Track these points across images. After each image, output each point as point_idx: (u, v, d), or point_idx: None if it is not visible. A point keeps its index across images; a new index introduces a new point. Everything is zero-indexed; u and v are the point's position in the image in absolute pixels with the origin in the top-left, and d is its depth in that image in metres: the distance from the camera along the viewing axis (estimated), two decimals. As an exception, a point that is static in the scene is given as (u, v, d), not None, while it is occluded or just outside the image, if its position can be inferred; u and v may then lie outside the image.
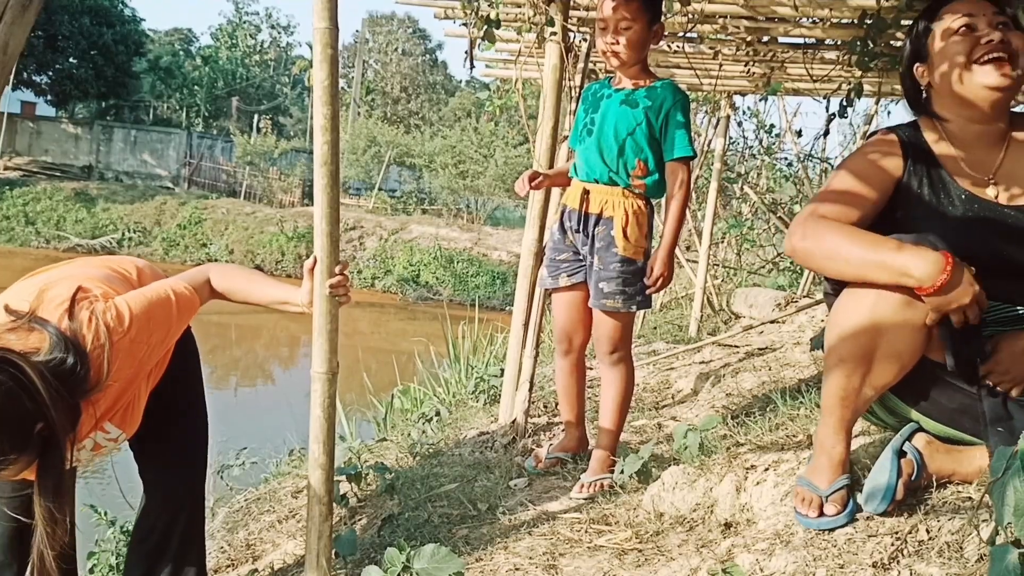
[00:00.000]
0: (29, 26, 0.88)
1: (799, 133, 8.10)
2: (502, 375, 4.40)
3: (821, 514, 1.94)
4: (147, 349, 2.07)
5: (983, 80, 1.87)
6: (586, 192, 2.95)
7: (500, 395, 4.20)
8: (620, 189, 2.90)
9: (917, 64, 2.03)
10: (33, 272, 2.23)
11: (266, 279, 2.38)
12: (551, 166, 3.61)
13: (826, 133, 5.80)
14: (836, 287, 1.94)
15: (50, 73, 30.49)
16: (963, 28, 1.89)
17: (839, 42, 4.14)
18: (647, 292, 2.92)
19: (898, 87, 2.02)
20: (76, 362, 1.77)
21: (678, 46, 4.57)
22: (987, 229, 1.88)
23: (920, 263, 1.68)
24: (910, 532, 1.83)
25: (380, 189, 27.66)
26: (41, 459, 1.71)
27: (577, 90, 3.82)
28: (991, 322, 1.82)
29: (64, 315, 1.88)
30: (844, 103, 4.48)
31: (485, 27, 3.58)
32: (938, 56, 1.95)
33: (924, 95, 2.05)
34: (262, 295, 2.29)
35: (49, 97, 31.80)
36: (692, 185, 2.96)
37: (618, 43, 2.84)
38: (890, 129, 2.05)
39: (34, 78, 30.37)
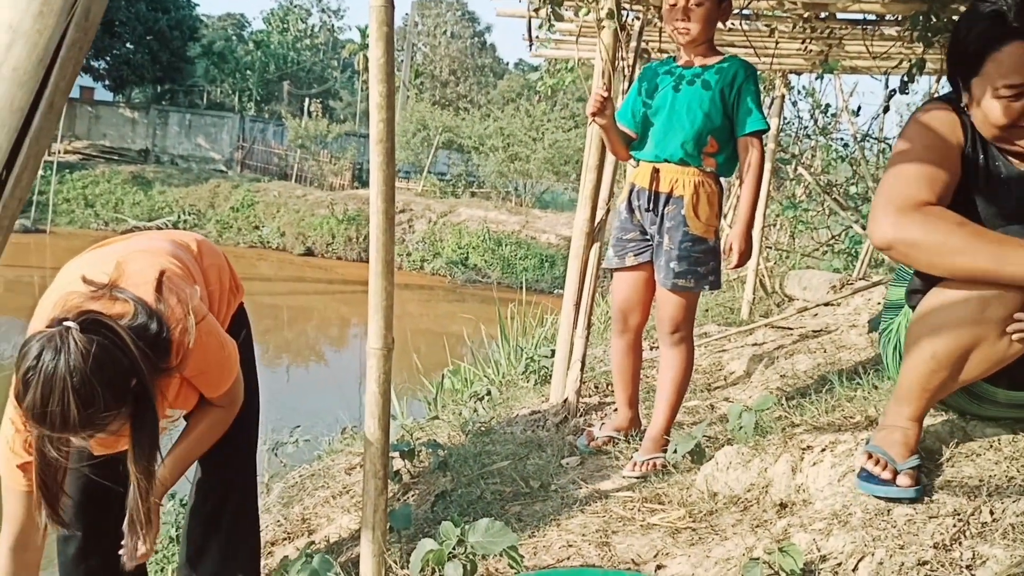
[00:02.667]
0: (109, -7, 0.90)
1: (856, 112, 7.90)
2: (552, 356, 4.41)
3: (894, 482, 1.91)
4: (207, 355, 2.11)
5: (1009, 145, 1.90)
6: (656, 171, 2.92)
7: (550, 376, 4.20)
8: (692, 168, 2.88)
9: (958, 76, 1.97)
10: (99, 244, 2.29)
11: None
12: (603, 146, 3.59)
13: (886, 110, 5.67)
14: (926, 285, 1.90)
15: (108, 58, 31.13)
16: (1008, 97, 1.82)
17: (900, 17, 4.04)
18: (731, 269, 2.92)
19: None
20: (160, 329, 1.83)
21: (733, 23, 4.50)
22: None
23: None
24: (972, 513, 1.79)
25: (429, 172, 27.76)
26: (135, 416, 1.77)
27: (630, 69, 3.79)
28: None
29: (150, 292, 1.93)
30: (905, 79, 4.37)
31: (549, 6, 3.55)
32: (978, 99, 1.89)
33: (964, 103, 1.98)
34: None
35: (107, 82, 32.47)
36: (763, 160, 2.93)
37: (689, 20, 2.82)
38: (945, 101, 2.00)
39: (92, 63, 31.02)
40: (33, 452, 1.81)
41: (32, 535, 2.00)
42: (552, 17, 3.60)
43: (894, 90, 4.62)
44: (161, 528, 3.39)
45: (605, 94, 2.90)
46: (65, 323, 1.68)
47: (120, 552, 2.01)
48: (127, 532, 1.93)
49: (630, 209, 3.03)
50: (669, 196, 2.90)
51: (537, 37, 3.90)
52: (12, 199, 0.64)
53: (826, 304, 5.48)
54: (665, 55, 3.49)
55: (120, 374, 1.72)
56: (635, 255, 3.03)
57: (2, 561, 2.02)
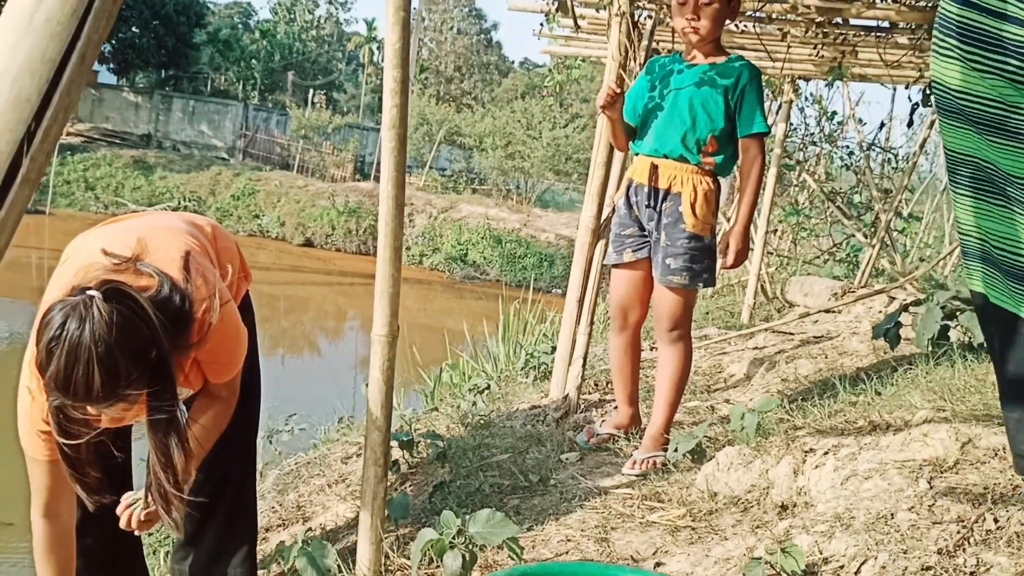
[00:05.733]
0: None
1: (862, 120, 7.89)
2: (552, 352, 4.39)
3: None
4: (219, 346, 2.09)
5: None
6: (655, 167, 2.92)
7: (549, 372, 4.19)
8: (690, 165, 2.88)
9: None
10: (112, 219, 2.27)
11: None
12: (611, 144, 3.58)
13: (910, 123, 5.54)
14: None
15: (113, 42, 31.02)
16: None
17: (914, 25, 4.02)
18: (725, 269, 2.92)
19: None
20: (183, 304, 1.81)
21: (746, 25, 4.49)
22: None
23: None
24: (977, 520, 1.79)
25: (431, 168, 27.73)
26: (154, 388, 1.76)
27: (640, 68, 3.78)
28: None
29: (176, 269, 1.92)
30: (928, 91, 4.35)
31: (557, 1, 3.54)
32: None
33: None
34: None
35: (111, 65, 32.38)
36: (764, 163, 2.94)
37: (698, 19, 2.82)
38: None
39: (97, 46, 30.94)
40: (49, 422, 1.80)
41: (61, 501, 2.00)
42: (560, 9, 3.59)
43: (918, 103, 4.58)
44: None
45: (618, 89, 2.90)
46: (88, 292, 1.67)
47: (129, 512, 1.99)
48: (154, 498, 1.92)
49: (628, 205, 3.03)
50: (667, 192, 2.90)
51: (541, 27, 3.87)
52: (40, 152, 0.63)
53: (827, 311, 5.47)
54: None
55: (141, 345, 1.70)
56: (633, 251, 3.03)
57: (38, 529, 2.02)
